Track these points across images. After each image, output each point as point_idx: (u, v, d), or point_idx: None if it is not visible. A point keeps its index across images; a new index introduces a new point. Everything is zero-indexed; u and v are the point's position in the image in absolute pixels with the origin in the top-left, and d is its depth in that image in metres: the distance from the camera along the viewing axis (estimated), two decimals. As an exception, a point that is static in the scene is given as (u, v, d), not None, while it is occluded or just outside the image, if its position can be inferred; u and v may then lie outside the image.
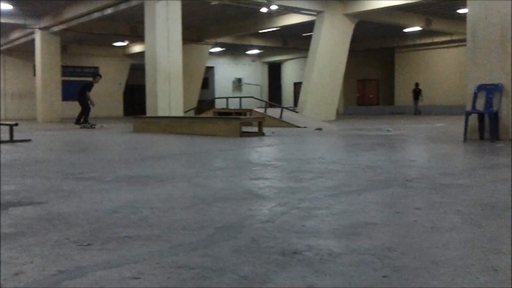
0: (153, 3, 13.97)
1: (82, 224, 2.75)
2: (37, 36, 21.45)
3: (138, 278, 1.88)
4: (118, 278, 1.88)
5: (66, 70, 27.33)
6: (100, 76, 15.59)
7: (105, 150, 7.99)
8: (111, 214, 3.00)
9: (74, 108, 28.33)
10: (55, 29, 20.58)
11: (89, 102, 15.28)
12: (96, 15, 17.72)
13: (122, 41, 26.68)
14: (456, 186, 3.86)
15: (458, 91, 25.00)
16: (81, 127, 14.06)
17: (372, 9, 17.90)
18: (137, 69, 28.38)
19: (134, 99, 32.09)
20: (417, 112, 25.34)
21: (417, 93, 26.00)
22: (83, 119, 14.96)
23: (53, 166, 5.68)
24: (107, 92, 30.50)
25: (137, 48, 28.15)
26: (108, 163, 5.86)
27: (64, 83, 24.16)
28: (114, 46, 28.53)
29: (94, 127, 13.74)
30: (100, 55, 30.00)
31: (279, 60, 35.61)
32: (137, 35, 20.97)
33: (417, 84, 26.28)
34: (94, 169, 5.29)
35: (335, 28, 18.46)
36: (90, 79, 16.21)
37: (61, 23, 19.81)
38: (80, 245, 2.32)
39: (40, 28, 21.04)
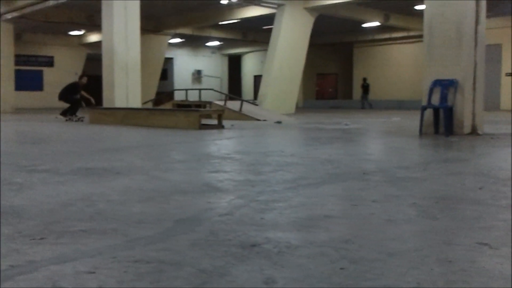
0: (110, -9, 13.69)
1: (35, 217, 2.67)
2: (-11, 24, 20.70)
3: (93, 273, 1.84)
4: (72, 273, 1.84)
5: (19, 59, 26.51)
6: (87, 77, 14.10)
7: (60, 142, 7.80)
8: (65, 207, 2.93)
9: (28, 98, 27.70)
10: (8, 16, 19.90)
11: (83, 99, 13.83)
12: (51, 2, 17.23)
13: (79, 30, 26.06)
14: (411, 179, 3.94)
15: (414, 86, 25.55)
16: (66, 120, 13.37)
17: (332, 4, 18.06)
18: (93, 59, 27.78)
19: (91, 89, 31.40)
20: (368, 106, 26.00)
21: (365, 88, 26.73)
22: (70, 112, 13.57)
23: (5, 158, 5.50)
24: (62, 82, 29.77)
25: (94, 38, 27.56)
26: (63, 155, 5.72)
27: (18, 72, 23.43)
28: (70, 35, 27.85)
29: (82, 120, 12.99)
30: (56, 44, 29.23)
31: (239, 52, 35.54)
32: (94, 24, 20.51)
33: (364, 79, 26.88)
34: (48, 161, 5.15)
35: (295, 21, 18.54)
36: (75, 80, 14.86)
37: (15, 10, 19.16)
38: (33, 239, 2.25)
39: (-8, 15, 20.31)
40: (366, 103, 26.26)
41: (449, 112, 7.99)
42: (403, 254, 2.04)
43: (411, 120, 11.81)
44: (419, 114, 8.48)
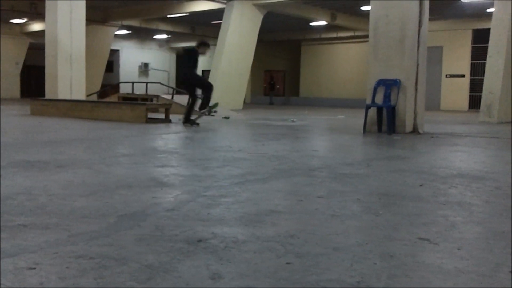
0: (55, -21, 13.25)
1: (-29, 211, 2.55)
2: None
3: (34, 269, 1.78)
4: (12, 269, 1.77)
5: (-45, 46, 25.27)
6: None
7: (-1, 133, 7.50)
8: (5, 201, 2.82)
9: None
10: None
11: None
12: (-9, -12, 16.51)
13: (20, 18, 25.07)
14: (355, 175, 4.03)
15: (359, 85, 26.10)
16: None
17: (280, 1, 18.18)
18: (36, 49, 26.84)
19: (32, 80, 30.37)
20: (272, 102, 29.12)
21: (272, 86, 30.04)
22: None
23: None
24: (2, 72, 28.63)
25: (36, 26, 26.59)
26: (2, 148, 5.50)
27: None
28: (12, 23, 26.76)
29: None
30: (-5, 32, 28.02)
31: (187, 47, 35.18)
32: (37, 13, 19.79)
33: (271, 78, 30.75)
34: (-14, 153, 4.94)
35: (244, 17, 18.55)
36: None
37: (-49, -6, 18.26)
38: (-31, 234, 2.16)
39: None
40: (272, 100, 29.16)
41: (392, 111, 8.21)
42: (347, 249, 2.08)
43: (356, 118, 12.07)
44: (363, 113, 8.67)
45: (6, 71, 28.76)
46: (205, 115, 9.47)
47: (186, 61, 9.28)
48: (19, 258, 1.89)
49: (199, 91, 9.44)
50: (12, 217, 2.47)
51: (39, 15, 18.67)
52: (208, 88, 9.26)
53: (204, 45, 9.23)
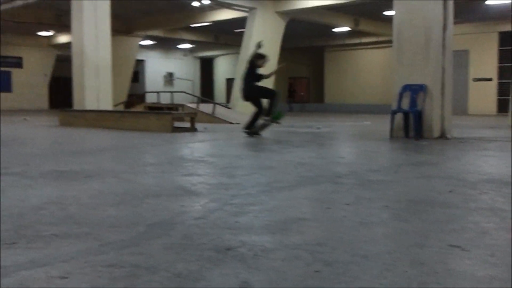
0: (80, -8, 13.50)
1: (5, 222, 2.61)
2: (-46, 23, 20.22)
3: (66, 278, 1.81)
4: (44, 278, 1.81)
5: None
6: None
7: (29, 145, 7.65)
8: (36, 211, 2.88)
9: (-6, 99, 27.08)
10: (-26, 16, 19.47)
11: None
12: (19, 2, 16.90)
13: (47, 30, 25.61)
14: (383, 182, 4.00)
15: (384, 91, 25.90)
16: None
17: (303, 8, 18.19)
18: (63, 60, 27.35)
19: (60, 91, 30.94)
20: (292, 109, 29.01)
21: (292, 93, 30.29)
22: None
23: (-29, 160, 5.37)
24: (31, 84, 29.25)
25: (63, 38, 27.12)
26: (32, 158, 5.62)
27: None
28: (39, 35, 27.35)
29: None
30: (24, 45, 28.66)
31: (211, 55, 35.46)
32: (63, 25, 20.17)
33: (290, 85, 31.00)
34: (18, 164, 5.04)
35: (267, 25, 18.61)
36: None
37: (-19, 10, 18.75)
38: (4, 244, 2.21)
39: (-43, 15, 19.82)
40: (292, 107, 28.88)
41: (419, 116, 8.12)
42: (376, 257, 2.06)
43: (382, 124, 11.97)
44: (389, 118, 8.60)
45: (35, 83, 29.39)
46: (270, 123, 8.88)
47: (246, 75, 9.05)
48: (51, 267, 1.92)
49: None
50: (44, 226, 2.52)
51: (66, 28, 19.02)
52: (273, 96, 8.87)
53: (260, 58, 8.97)
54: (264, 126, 8.85)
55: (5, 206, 2.99)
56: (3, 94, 28.10)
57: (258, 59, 8.95)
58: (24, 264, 1.95)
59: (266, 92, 9.09)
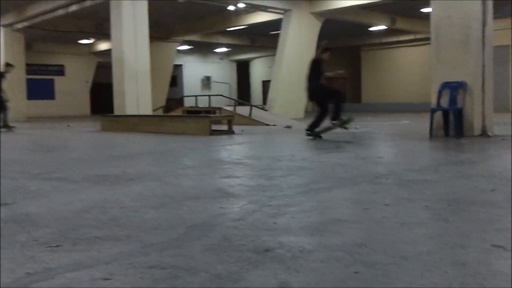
0: (119, 0, 13.79)
1: (50, 225, 2.70)
2: (0, 34, 20.92)
3: (109, 279, 1.86)
4: (88, 280, 1.86)
5: (31, 68, 26.73)
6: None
7: (72, 150, 7.86)
8: (80, 214, 2.96)
9: (40, 106, 27.92)
10: (19, 26, 20.11)
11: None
12: (60, 12, 17.38)
13: (88, 38, 26.25)
14: (423, 182, 3.94)
15: (422, 89, 25.41)
16: None
17: (338, 8, 18.07)
18: (104, 67, 27.95)
19: (101, 97, 31.63)
20: None
21: None
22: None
23: (19, 166, 5.55)
24: (73, 91, 30.00)
25: (103, 46, 27.72)
26: (76, 163, 5.77)
27: (29, 81, 23.64)
28: (80, 43, 28.05)
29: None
30: (66, 53, 29.44)
31: (247, 58, 35.59)
32: (103, 33, 20.64)
33: None
34: (61, 169, 5.19)
35: (302, 26, 18.57)
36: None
37: (25, 20, 19.36)
38: (49, 246, 2.28)
39: (3, 25, 20.51)
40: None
41: (459, 114, 7.96)
42: (416, 257, 2.04)
43: (421, 123, 11.77)
44: (428, 117, 8.45)
45: (77, 90, 30.14)
46: (337, 128, 8.53)
47: (311, 73, 8.60)
48: (95, 269, 1.98)
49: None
50: (87, 229, 2.59)
51: (106, 35, 19.46)
52: (338, 97, 8.52)
53: (326, 51, 8.59)
54: (328, 129, 8.61)
55: (50, 210, 3.09)
56: (46, 102, 28.93)
57: (323, 53, 8.59)
58: (69, 266, 2.01)
59: (331, 93, 8.67)
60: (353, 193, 3.61)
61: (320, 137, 8.48)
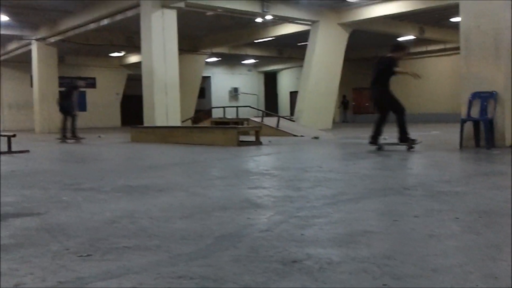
0: (149, 13, 14.03)
1: (81, 234, 2.75)
2: (34, 47, 21.47)
3: (139, 288, 1.88)
4: (119, 289, 1.89)
5: (63, 81, 27.30)
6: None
7: (103, 161, 7.99)
8: (110, 224, 3.01)
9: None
10: (52, 40, 20.61)
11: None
12: (92, 26, 17.76)
13: (119, 51, 26.72)
14: (453, 193, 3.88)
15: (452, 99, 25.08)
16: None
17: (366, 19, 18.00)
18: (134, 79, 28.38)
19: (132, 109, 32.07)
20: (346, 120, 28.67)
21: (345, 104, 29.20)
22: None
23: (51, 176, 5.68)
24: (104, 103, 30.52)
25: (133, 59, 28.19)
26: (106, 174, 5.87)
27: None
28: (111, 56, 28.57)
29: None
30: (97, 66, 30.03)
31: (274, 69, 35.70)
32: (134, 46, 20.99)
33: (344, 96, 29.59)
34: (92, 179, 5.29)
35: (330, 37, 18.56)
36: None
37: (58, 34, 19.84)
38: (80, 256, 2.32)
39: (36, 39, 21.06)
40: (345, 118, 29.02)
41: (490, 124, 7.82)
42: (447, 270, 2.01)
43: (451, 133, 11.60)
44: (458, 127, 8.33)
45: (108, 102, 30.66)
46: (404, 146, 7.94)
47: (378, 75, 8.03)
48: (124, 278, 2.00)
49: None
50: (117, 239, 2.63)
51: (136, 48, 19.79)
52: (401, 114, 7.93)
53: (400, 49, 8.05)
54: (393, 144, 8.16)
55: (81, 220, 3.15)
56: (78, 113, 29.47)
57: (397, 51, 8.02)
58: (99, 275, 2.05)
59: (394, 105, 8.06)
60: (382, 204, 3.58)
61: (381, 148, 8.09)
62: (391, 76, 7.98)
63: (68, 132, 12.92)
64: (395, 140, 8.11)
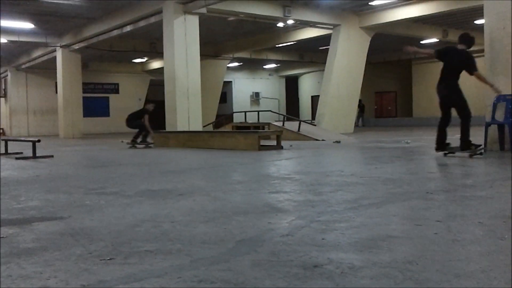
0: (171, 19, 14.16)
1: (104, 238, 2.78)
2: (59, 54, 21.84)
3: (161, 292, 1.89)
4: (140, 292, 1.90)
5: (87, 87, 27.73)
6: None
7: (126, 165, 8.07)
8: (132, 228, 3.03)
9: (95, 124, 28.87)
10: (76, 46, 20.94)
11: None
12: (115, 32, 17.99)
13: (141, 57, 27.01)
14: (477, 198, 3.82)
15: (476, 102, 24.69)
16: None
17: (388, 22, 17.89)
18: (156, 85, 28.65)
19: (154, 114, 32.31)
20: (362, 124, 28.20)
21: (361, 108, 28.20)
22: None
23: (75, 181, 5.76)
24: (127, 108, 30.82)
25: (156, 64, 28.47)
26: (128, 178, 5.92)
27: (86, 99, 24.51)
28: (134, 62, 28.90)
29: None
30: (120, 72, 30.41)
31: (296, 73, 35.69)
32: (156, 52, 21.22)
33: (360, 100, 28.57)
34: (115, 184, 5.35)
35: (352, 41, 18.48)
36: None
37: (82, 41, 20.15)
38: (103, 259, 2.35)
39: (61, 46, 21.42)
40: (361, 121, 28.40)
41: (516, 128, 7.69)
42: (470, 276, 1.98)
43: (475, 137, 11.43)
44: (483, 131, 8.21)
45: (130, 107, 30.94)
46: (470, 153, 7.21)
47: (450, 68, 7.31)
48: (146, 282, 2.02)
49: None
50: (140, 243, 2.66)
51: (158, 54, 19.98)
52: (468, 117, 7.30)
53: (471, 41, 7.20)
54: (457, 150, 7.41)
55: (104, 224, 3.19)
56: (101, 119, 29.88)
57: (467, 43, 7.20)
58: (122, 278, 2.07)
59: (463, 106, 7.36)
60: (404, 209, 3.55)
61: (453, 152, 7.47)
62: (460, 71, 7.12)
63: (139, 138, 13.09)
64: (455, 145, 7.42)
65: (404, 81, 31.29)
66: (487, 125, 8.06)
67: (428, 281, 1.92)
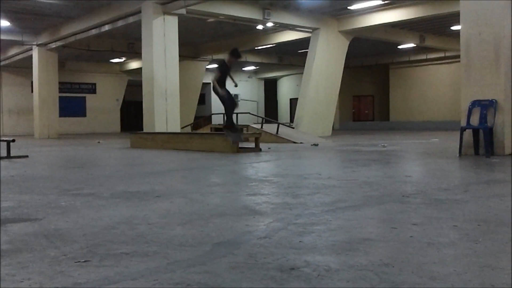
0: (150, 20, 14.08)
1: (79, 240, 2.74)
2: (35, 53, 21.54)
3: (136, 295, 1.88)
4: (116, 295, 1.88)
5: (63, 86, 27.39)
6: None
7: (102, 166, 7.99)
8: (108, 230, 3.00)
9: (71, 124, 28.52)
10: (53, 45, 20.68)
11: None
12: (93, 32, 17.82)
13: (119, 57, 26.80)
14: (452, 201, 3.88)
15: (451, 107, 25.17)
16: None
17: (367, 26, 18.08)
18: (134, 85, 28.47)
19: (131, 115, 32.14)
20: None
21: None
22: None
23: (50, 182, 5.67)
24: (104, 108, 30.55)
25: (134, 65, 28.27)
26: (105, 179, 5.86)
27: (62, 99, 24.21)
28: (112, 62, 28.66)
29: None
30: (98, 72, 30.11)
31: (275, 76, 35.79)
32: (134, 52, 21.07)
33: None
34: (91, 185, 5.28)
35: (330, 44, 18.62)
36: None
37: (59, 39, 19.91)
38: (78, 261, 2.32)
39: (37, 45, 21.13)
40: None
41: (489, 132, 7.83)
42: (445, 278, 2.01)
43: (450, 141, 11.61)
44: (458, 135, 8.34)
45: (107, 107, 30.70)
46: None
47: None
48: (122, 284, 2.00)
49: None
50: (115, 245, 2.63)
51: (136, 54, 19.86)
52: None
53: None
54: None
55: (79, 225, 3.14)
56: (77, 119, 29.55)
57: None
58: (97, 281, 2.04)
59: None
60: (380, 212, 3.58)
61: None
62: None
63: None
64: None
65: (381, 85, 31.64)
66: (462, 129, 8.18)
67: (403, 284, 1.94)
